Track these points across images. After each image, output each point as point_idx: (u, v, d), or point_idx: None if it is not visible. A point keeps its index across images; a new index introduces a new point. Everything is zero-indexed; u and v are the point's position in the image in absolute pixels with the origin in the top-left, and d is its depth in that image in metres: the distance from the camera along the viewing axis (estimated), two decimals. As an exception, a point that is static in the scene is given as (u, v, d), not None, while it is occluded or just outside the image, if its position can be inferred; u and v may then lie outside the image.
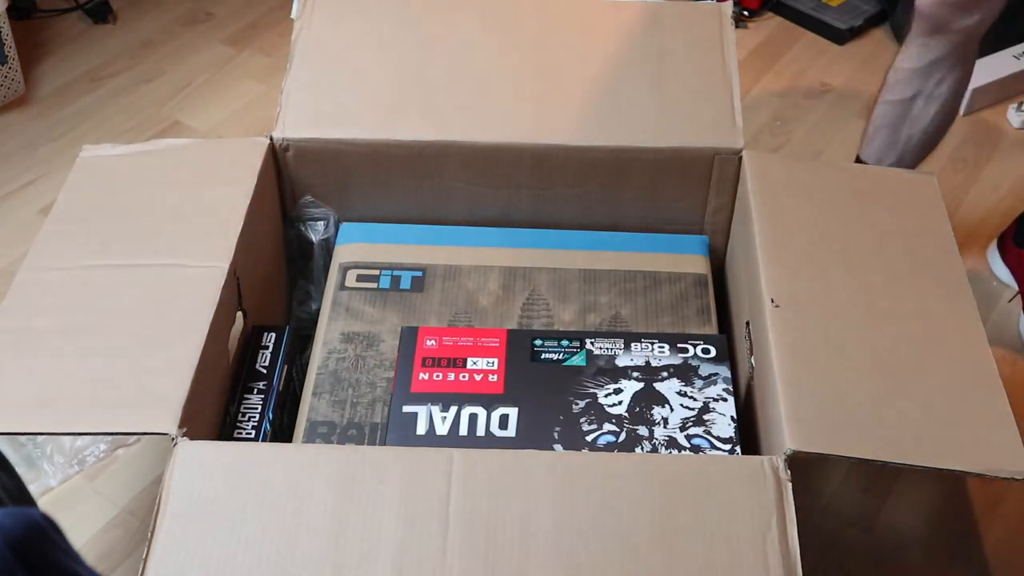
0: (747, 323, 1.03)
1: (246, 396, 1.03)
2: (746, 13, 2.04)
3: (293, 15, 1.28)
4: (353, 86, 1.21)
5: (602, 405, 0.99)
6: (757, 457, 0.84)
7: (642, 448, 0.95)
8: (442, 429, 0.97)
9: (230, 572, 0.77)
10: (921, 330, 0.95)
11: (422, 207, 1.21)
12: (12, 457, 1.12)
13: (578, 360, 1.02)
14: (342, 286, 1.14)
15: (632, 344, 1.04)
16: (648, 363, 1.02)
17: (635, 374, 1.01)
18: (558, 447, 0.95)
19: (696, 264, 1.17)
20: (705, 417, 0.98)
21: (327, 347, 1.08)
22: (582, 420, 0.97)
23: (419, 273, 1.15)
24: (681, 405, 0.99)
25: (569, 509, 0.80)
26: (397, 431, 0.97)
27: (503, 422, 0.97)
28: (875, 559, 1.17)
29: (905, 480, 1.24)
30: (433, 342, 1.04)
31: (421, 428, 0.97)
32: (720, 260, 1.23)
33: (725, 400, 0.99)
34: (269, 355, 1.07)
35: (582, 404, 0.99)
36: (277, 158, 1.17)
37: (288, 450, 0.91)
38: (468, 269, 1.15)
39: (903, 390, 0.90)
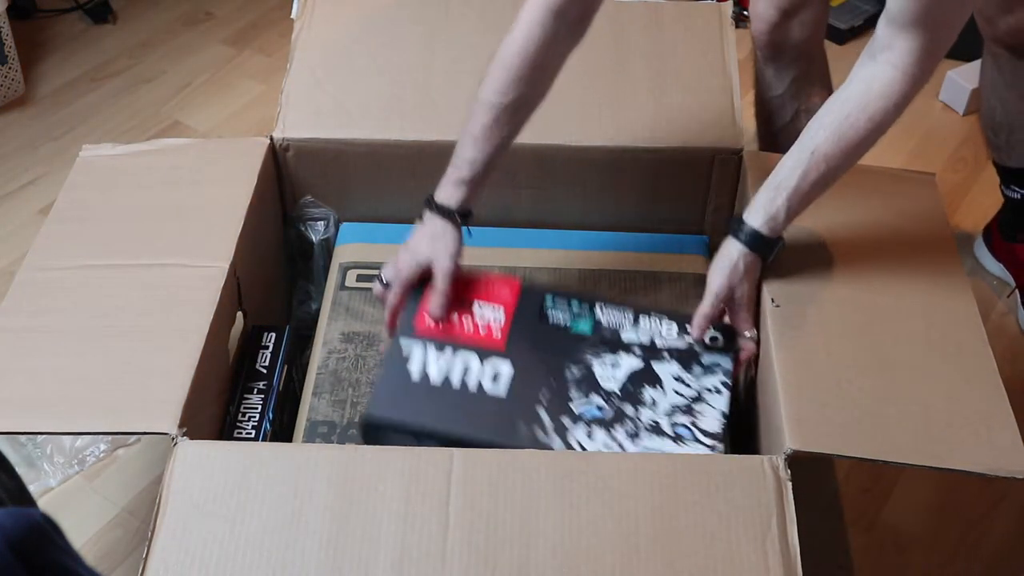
0: (747, 323, 1.03)
1: (246, 396, 1.03)
2: (746, 13, 2.03)
3: (293, 15, 1.28)
4: (353, 86, 1.21)
5: (596, 377, 0.98)
6: (757, 457, 0.84)
7: (624, 426, 0.94)
8: (436, 377, 0.96)
9: (230, 572, 0.77)
10: (921, 330, 0.95)
11: (422, 207, 1.21)
12: (12, 457, 1.12)
13: (584, 327, 1.01)
14: (342, 286, 1.14)
15: (640, 318, 1.02)
16: (652, 341, 1.01)
17: (637, 351, 1.00)
18: (542, 411, 0.94)
19: (696, 264, 1.17)
20: (695, 408, 0.96)
21: (327, 347, 1.08)
22: (572, 389, 0.96)
23: (419, 273, 1.15)
24: (674, 391, 0.98)
25: (569, 509, 0.80)
26: (391, 377, 0.96)
27: (495, 378, 0.96)
28: (875, 559, 1.17)
29: (905, 480, 1.24)
30: None
31: (415, 374, 0.96)
32: (720, 260, 1.23)
33: (720, 393, 0.97)
34: (269, 355, 1.07)
35: (577, 373, 0.98)
36: (277, 158, 1.17)
37: (288, 450, 0.91)
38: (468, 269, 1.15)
39: (903, 390, 0.90)
